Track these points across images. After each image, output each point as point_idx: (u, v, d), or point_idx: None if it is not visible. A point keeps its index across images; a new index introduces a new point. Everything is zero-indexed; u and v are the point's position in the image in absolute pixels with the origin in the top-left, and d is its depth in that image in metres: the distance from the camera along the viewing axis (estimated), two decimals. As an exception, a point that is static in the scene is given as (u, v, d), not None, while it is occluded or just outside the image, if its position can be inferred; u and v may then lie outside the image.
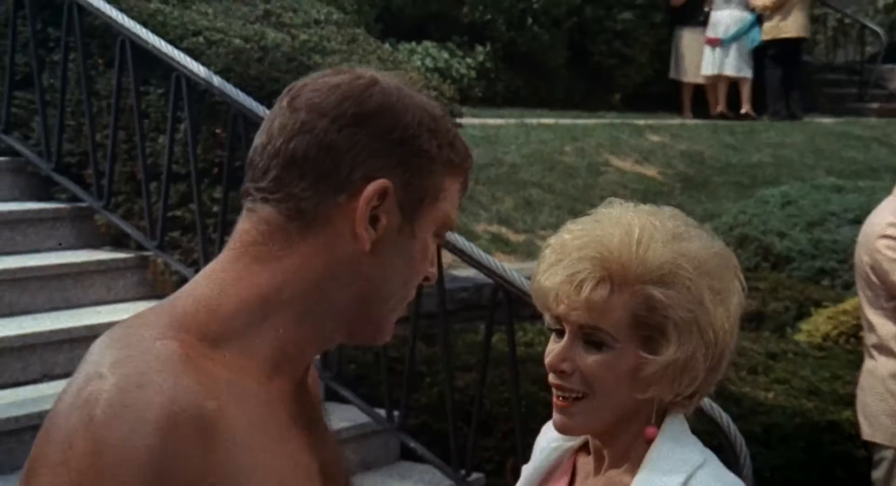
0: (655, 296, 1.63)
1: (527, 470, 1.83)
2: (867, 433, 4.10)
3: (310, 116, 1.30)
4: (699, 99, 12.52)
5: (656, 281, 1.64)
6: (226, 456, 1.20)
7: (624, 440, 1.72)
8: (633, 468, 1.70)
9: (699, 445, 1.72)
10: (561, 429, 1.72)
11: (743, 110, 12.36)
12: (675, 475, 1.65)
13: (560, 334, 1.70)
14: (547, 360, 1.70)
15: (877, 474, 4.09)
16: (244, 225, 1.33)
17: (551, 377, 1.70)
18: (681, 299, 1.64)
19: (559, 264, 1.68)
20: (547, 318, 1.73)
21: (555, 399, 1.70)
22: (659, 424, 1.71)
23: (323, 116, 1.29)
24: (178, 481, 1.18)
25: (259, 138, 1.34)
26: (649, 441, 1.70)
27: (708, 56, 12.32)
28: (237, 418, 1.22)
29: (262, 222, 1.31)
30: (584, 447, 1.80)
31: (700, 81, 12.35)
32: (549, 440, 1.81)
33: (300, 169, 1.29)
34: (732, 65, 12.29)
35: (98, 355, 1.26)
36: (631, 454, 1.72)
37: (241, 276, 1.29)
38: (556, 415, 1.70)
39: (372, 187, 1.29)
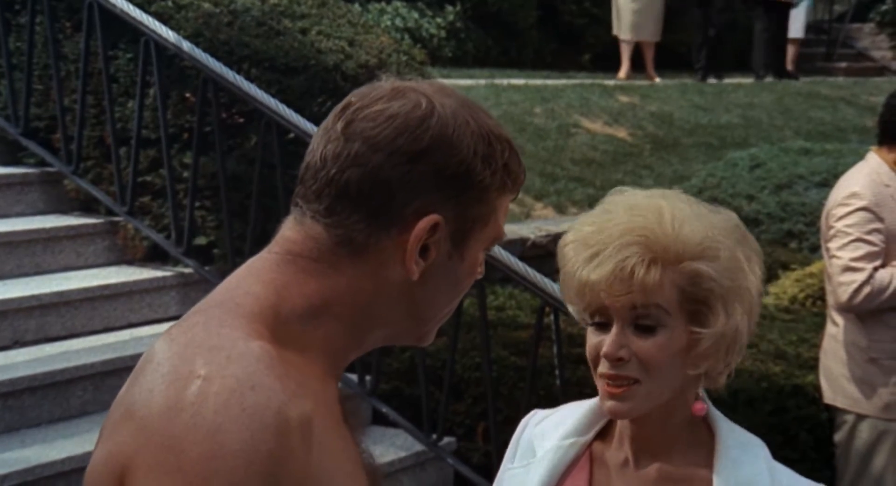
0: (702, 270, 1.66)
1: (539, 469, 1.80)
2: (829, 396, 4.17)
3: (364, 148, 1.30)
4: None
5: (698, 256, 1.67)
6: (318, 458, 1.23)
7: (672, 423, 1.74)
8: (682, 453, 1.74)
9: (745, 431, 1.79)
10: (615, 414, 1.73)
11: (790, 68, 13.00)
12: (755, 465, 1.74)
13: (600, 326, 1.70)
14: (604, 350, 1.69)
15: (838, 436, 4.17)
16: (291, 233, 1.33)
17: (604, 368, 1.69)
18: (723, 269, 1.68)
19: (600, 255, 1.67)
20: (580, 313, 1.73)
21: (605, 387, 1.70)
22: None
23: (378, 151, 1.29)
24: (286, 484, 1.19)
25: (311, 156, 1.34)
26: (696, 417, 1.75)
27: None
28: (317, 420, 1.24)
29: (310, 239, 1.32)
30: (597, 438, 1.80)
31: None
32: (561, 438, 1.80)
33: (353, 202, 1.30)
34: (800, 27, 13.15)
35: (180, 356, 1.24)
36: (681, 435, 1.75)
37: (289, 283, 1.30)
38: (608, 402, 1.70)
39: (423, 223, 1.30)
